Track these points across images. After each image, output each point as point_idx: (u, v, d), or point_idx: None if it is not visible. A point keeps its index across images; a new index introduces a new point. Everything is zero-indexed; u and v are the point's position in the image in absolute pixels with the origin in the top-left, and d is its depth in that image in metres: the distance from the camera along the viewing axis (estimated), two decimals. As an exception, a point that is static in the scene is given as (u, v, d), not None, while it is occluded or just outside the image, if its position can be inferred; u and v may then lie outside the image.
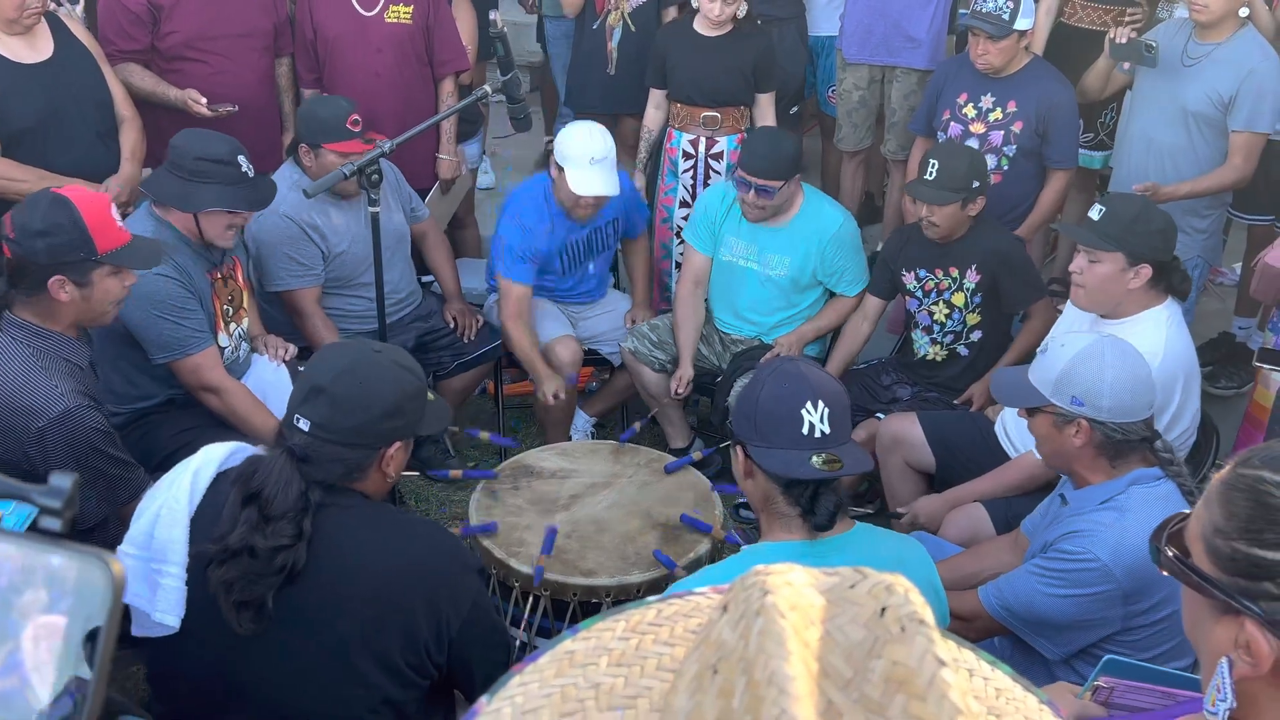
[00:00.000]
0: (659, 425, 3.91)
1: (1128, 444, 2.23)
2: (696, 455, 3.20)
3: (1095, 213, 2.82)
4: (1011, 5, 3.59)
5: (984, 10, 3.64)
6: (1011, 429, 3.05)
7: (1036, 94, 3.73)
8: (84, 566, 0.64)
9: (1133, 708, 1.45)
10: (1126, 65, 3.79)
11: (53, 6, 3.40)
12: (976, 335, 3.47)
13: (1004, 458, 3.03)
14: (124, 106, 3.50)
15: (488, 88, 2.54)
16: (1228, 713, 0.98)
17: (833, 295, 3.76)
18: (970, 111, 3.84)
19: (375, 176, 2.53)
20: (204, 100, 3.58)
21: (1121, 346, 2.28)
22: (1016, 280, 3.38)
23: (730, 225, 3.70)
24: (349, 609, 1.85)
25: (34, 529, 0.66)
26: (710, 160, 4.07)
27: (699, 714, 0.58)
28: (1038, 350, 2.44)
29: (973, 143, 3.79)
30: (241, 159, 2.93)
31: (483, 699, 0.77)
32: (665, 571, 2.61)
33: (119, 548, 1.90)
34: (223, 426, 2.91)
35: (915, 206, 3.49)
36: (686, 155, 4.10)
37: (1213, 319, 4.46)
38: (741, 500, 3.44)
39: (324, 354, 1.99)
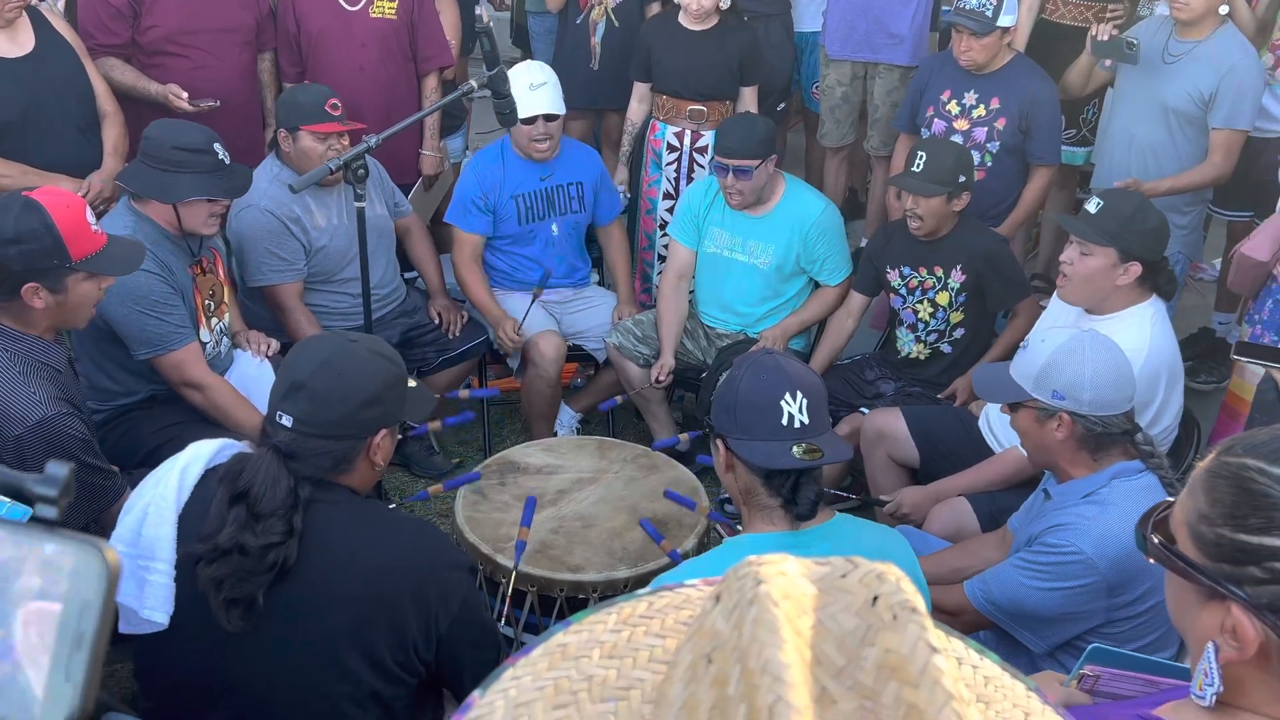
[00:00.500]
0: (644, 422, 3.92)
1: (1109, 437, 2.25)
2: (684, 437, 3.21)
3: (1093, 206, 2.83)
4: (995, 2, 3.61)
5: (967, 7, 3.66)
6: (995, 424, 3.06)
7: (1019, 90, 3.75)
8: (79, 554, 0.64)
9: (1118, 695, 1.46)
10: (1108, 62, 3.82)
11: (34, 1, 3.38)
12: (960, 333, 3.49)
13: (988, 452, 3.04)
14: (106, 101, 3.48)
15: (473, 83, 2.54)
16: (1214, 696, 0.99)
17: (817, 287, 3.78)
18: (954, 108, 3.86)
19: (361, 171, 2.52)
20: (185, 95, 3.57)
21: (1101, 341, 2.29)
22: (1002, 280, 3.40)
23: (714, 217, 3.72)
24: (338, 605, 1.84)
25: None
26: (695, 154, 4.08)
27: (693, 703, 0.59)
28: (1019, 346, 2.46)
29: (956, 139, 3.81)
30: (217, 146, 2.92)
31: (475, 693, 0.77)
32: (653, 567, 2.62)
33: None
34: (205, 422, 2.89)
35: (900, 201, 3.51)
36: (671, 148, 4.11)
37: (1193, 314, 4.50)
38: (723, 496, 3.46)
39: (300, 349, 1.99)
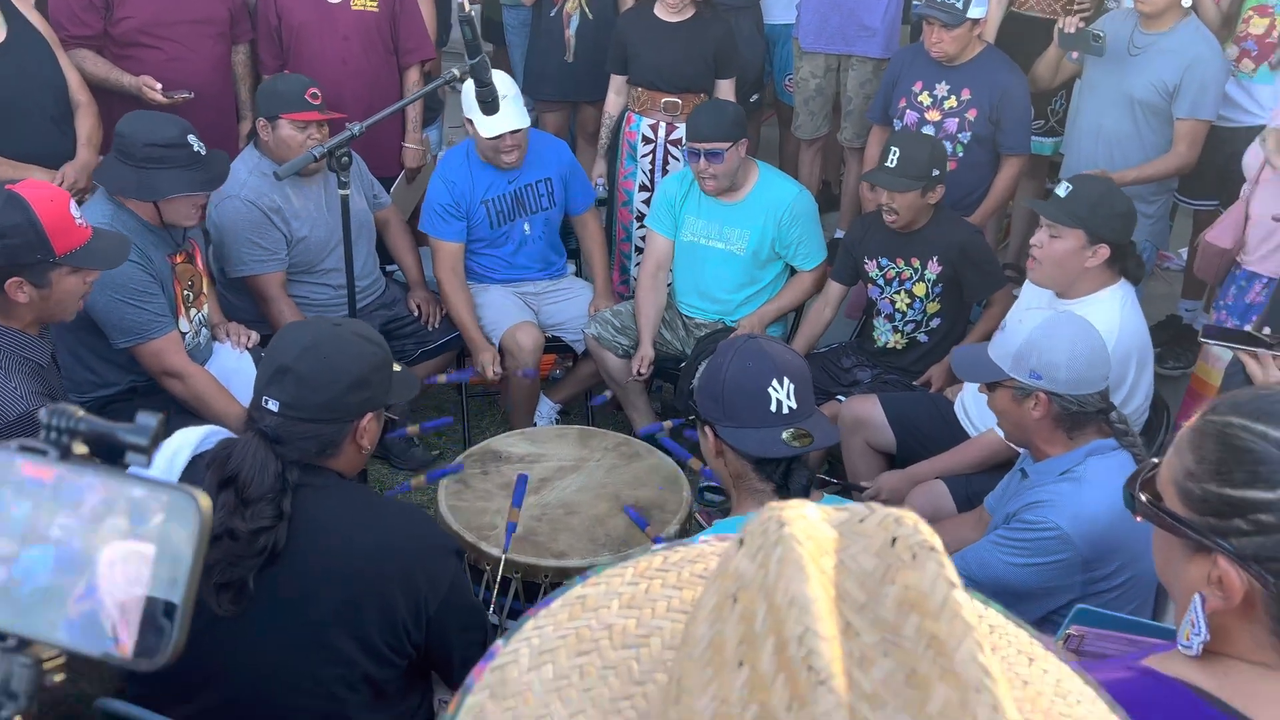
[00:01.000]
0: (624, 412, 3.94)
1: (1084, 416, 2.30)
2: (667, 425, 3.23)
3: (1062, 190, 2.89)
4: (965, -6, 3.67)
5: (938, -1, 3.71)
6: (971, 408, 3.11)
7: (989, 82, 3.80)
8: (171, 498, 0.66)
9: (1102, 654, 1.51)
10: (1075, 54, 3.88)
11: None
12: (937, 323, 3.53)
13: (964, 437, 3.09)
14: (79, 92, 3.45)
15: (456, 71, 2.55)
16: (1201, 645, 1.03)
17: (793, 274, 3.82)
18: (926, 99, 3.91)
19: (345, 159, 2.53)
20: (159, 86, 3.54)
21: (1077, 321, 2.34)
22: (977, 271, 3.45)
23: (690, 206, 3.75)
24: (328, 588, 1.85)
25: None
26: (670, 146, 4.11)
27: (720, 641, 0.61)
28: (997, 328, 2.51)
29: (928, 130, 3.86)
30: (192, 138, 2.91)
31: (499, 642, 0.79)
32: (636, 553, 2.63)
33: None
34: (186, 413, 2.88)
35: (874, 194, 3.55)
36: (646, 140, 4.13)
37: (1160, 302, 4.58)
38: (704, 485, 3.49)
39: (284, 334, 1.99)
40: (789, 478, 1.95)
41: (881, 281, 3.55)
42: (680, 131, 4.06)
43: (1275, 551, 0.99)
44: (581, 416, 4.06)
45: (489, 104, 2.66)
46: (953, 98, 3.86)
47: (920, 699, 0.54)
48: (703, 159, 3.55)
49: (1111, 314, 2.75)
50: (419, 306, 3.80)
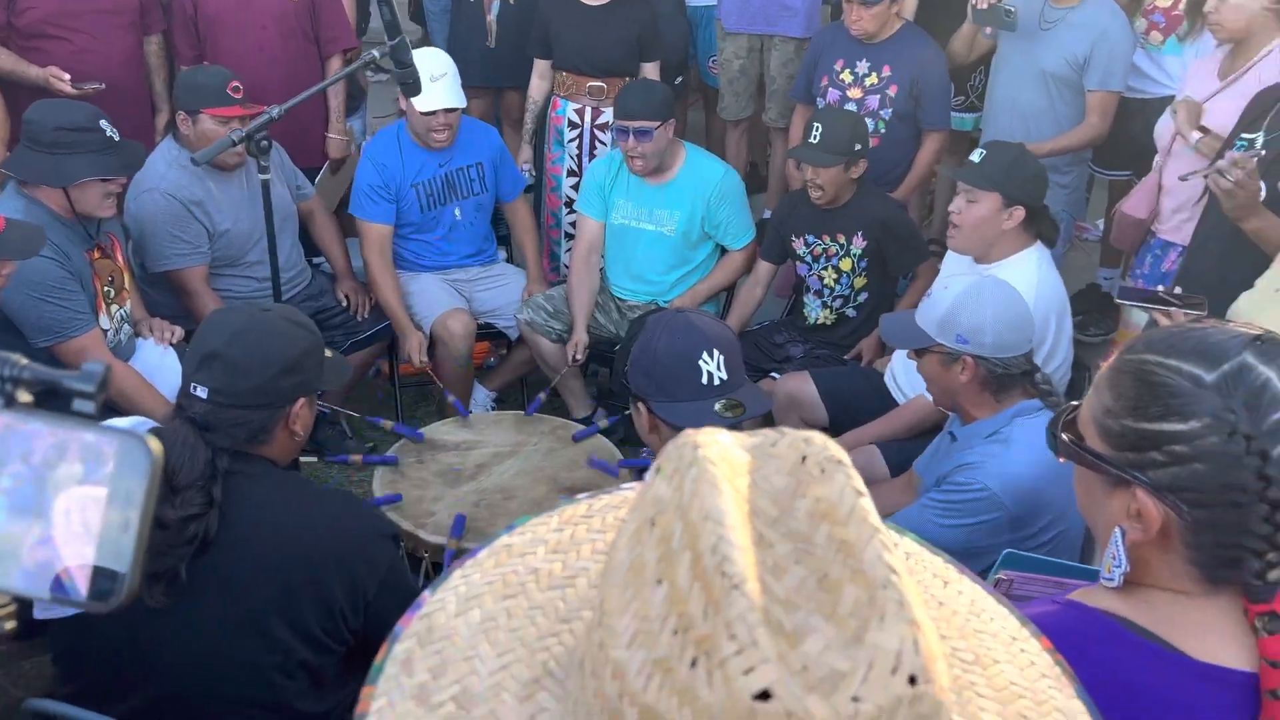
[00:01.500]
0: (561, 397, 3.94)
1: (1010, 378, 2.36)
2: (603, 423, 3.24)
3: (976, 156, 2.98)
4: (883, -29, 3.72)
5: (857, -23, 3.76)
6: (901, 377, 3.17)
7: (909, 58, 3.87)
8: (122, 442, 0.65)
9: (1029, 597, 1.55)
10: (989, 30, 3.96)
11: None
12: (864, 298, 3.59)
13: (894, 406, 3.15)
14: (-19, 85, 3.36)
15: (375, 52, 2.52)
16: (1122, 576, 1.07)
17: (724, 254, 3.85)
18: (847, 77, 3.96)
19: (265, 144, 2.49)
20: (67, 77, 3.46)
21: (1001, 285, 2.40)
22: (901, 245, 3.51)
23: (619, 189, 3.75)
24: (263, 576, 1.83)
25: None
26: (596, 130, 4.11)
27: (639, 563, 0.62)
28: (924, 295, 2.56)
29: (850, 108, 3.91)
30: (104, 123, 2.85)
31: (425, 593, 0.80)
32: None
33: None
34: (110, 411, 2.82)
35: (799, 171, 3.59)
36: (572, 124, 4.13)
37: (1080, 272, 4.70)
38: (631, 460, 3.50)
39: (211, 320, 1.96)
40: None
41: (809, 258, 3.59)
42: (607, 116, 4.06)
43: (1189, 482, 1.02)
44: (518, 404, 4.05)
45: (409, 85, 2.64)
46: (874, 75, 3.92)
47: (832, 600, 0.56)
48: (631, 137, 3.56)
49: (1029, 275, 2.83)
50: (347, 297, 3.76)
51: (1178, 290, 2.70)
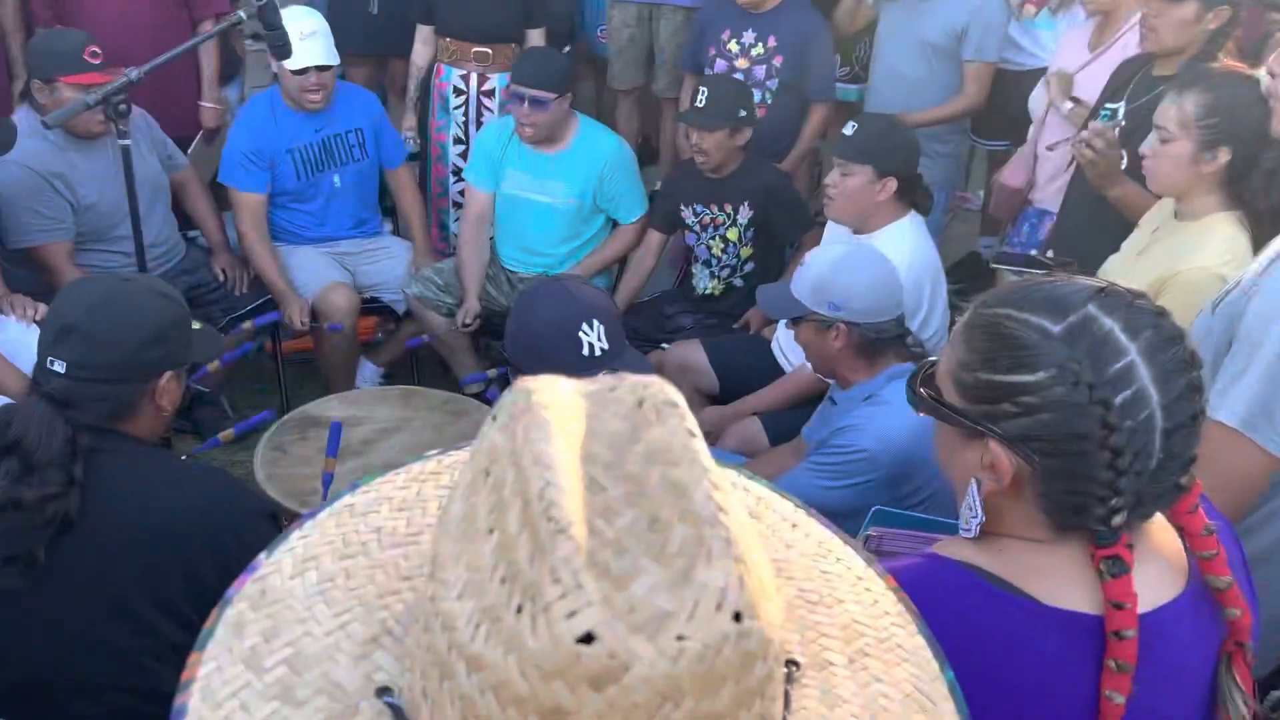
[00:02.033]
0: (451, 373, 3.88)
1: (882, 342, 2.41)
2: (492, 373, 3.20)
3: (849, 129, 3.01)
4: (765, -58, 3.73)
5: (740, -53, 3.77)
6: (785, 344, 3.21)
7: (794, 28, 3.90)
8: None
9: (896, 553, 1.58)
10: (871, 0, 4.01)
11: None
12: (750, 267, 3.62)
13: (781, 373, 3.19)
14: None
15: (241, 13, 2.43)
16: (979, 527, 1.09)
17: (615, 227, 3.83)
18: (734, 47, 3.97)
19: (124, 107, 2.37)
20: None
21: (869, 252, 2.45)
22: (786, 214, 3.55)
23: (510, 158, 3.70)
24: (127, 556, 1.76)
25: None
26: (483, 97, 4.04)
27: (472, 513, 0.61)
28: (799, 264, 2.59)
29: (738, 77, 3.93)
30: None
31: (261, 556, 0.77)
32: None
33: None
34: (-32, 393, 2.68)
35: (686, 140, 3.60)
36: (458, 91, 4.05)
37: (960, 241, 4.83)
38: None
39: (69, 291, 1.87)
40: None
41: (697, 228, 3.61)
42: (493, 82, 4.00)
43: (1039, 431, 1.05)
44: (406, 379, 3.98)
45: (280, 48, 2.55)
46: (760, 45, 3.93)
47: (661, 541, 0.56)
48: (526, 105, 3.51)
49: (903, 244, 2.89)
50: (224, 271, 3.63)
51: (1050, 254, 2.79)
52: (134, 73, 2.41)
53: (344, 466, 2.74)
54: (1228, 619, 1.10)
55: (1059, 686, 1.05)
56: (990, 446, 1.08)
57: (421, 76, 4.15)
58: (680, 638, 0.52)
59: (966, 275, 4.52)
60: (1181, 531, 1.11)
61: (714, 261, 3.63)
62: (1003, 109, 4.08)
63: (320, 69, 3.49)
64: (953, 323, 3.13)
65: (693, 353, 3.39)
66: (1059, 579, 1.07)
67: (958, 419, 1.11)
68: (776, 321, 3.35)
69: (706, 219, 3.58)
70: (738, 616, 0.53)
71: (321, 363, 3.81)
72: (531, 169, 3.69)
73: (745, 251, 3.59)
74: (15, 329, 3.00)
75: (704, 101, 3.37)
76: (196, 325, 1.97)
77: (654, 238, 3.75)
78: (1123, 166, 2.71)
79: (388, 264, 3.85)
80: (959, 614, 1.06)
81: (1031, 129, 3.64)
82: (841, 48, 4.22)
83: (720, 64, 3.99)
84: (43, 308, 3.07)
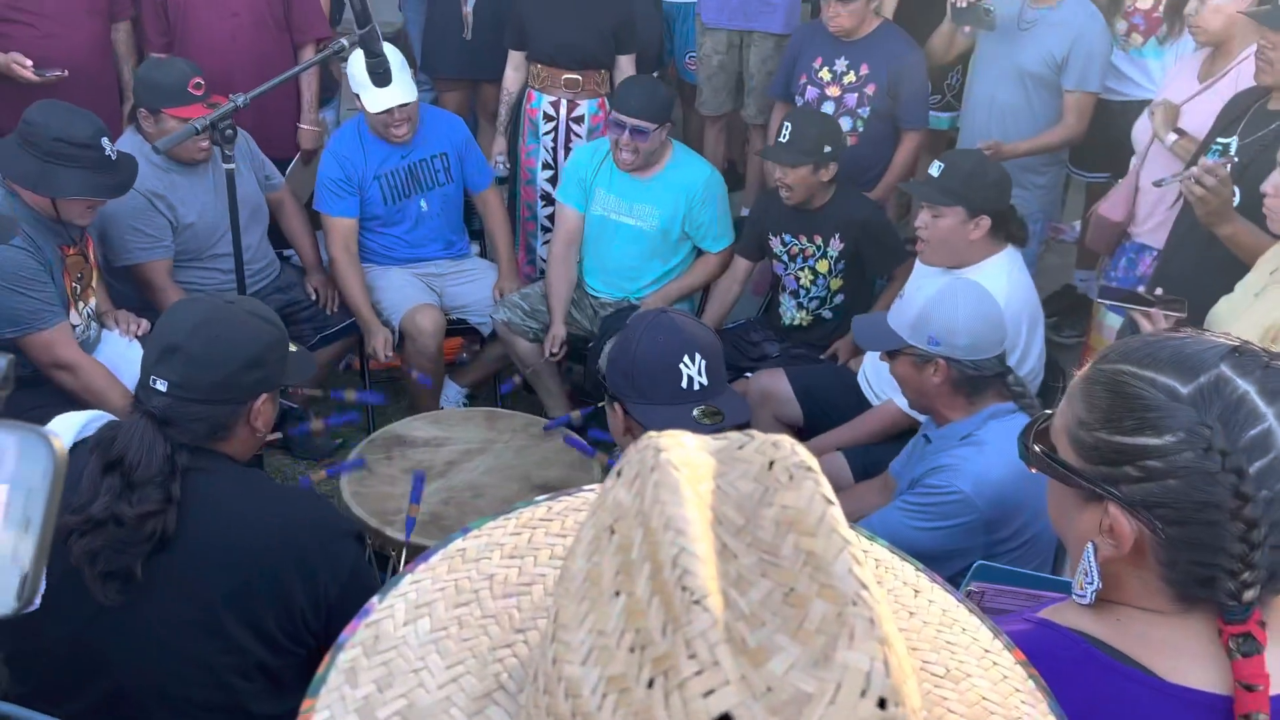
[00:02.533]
0: (536, 396, 3.89)
1: (983, 380, 2.34)
2: (576, 415, 3.20)
3: (935, 169, 2.94)
4: (861, -31, 3.70)
5: (835, -26, 3.74)
6: (872, 377, 3.15)
7: (887, 56, 3.85)
8: (23, 440, 0.63)
9: (1002, 610, 1.52)
10: (968, 29, 3.95)
11: None
12: (841, 299, 3.56)
13: (867, 406, 3.13)
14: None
15: (344, 41, 2.47)
16: (1094, 594, 1.04)
17: (699, 256, 3.81)
18: (826, 75, 3.94)
19: (230, 132, 2.43)
20: (29, 64, 3.38)
21: (972, 287, 2.38)
22: (879, 247, 3.48)
23: (601, 180, 3.71)
24: (220, 575, 1.78)
25: None
26: (571, 123, 4.06)
27: (597, 573, 0.59)
28: (897, 297, 2.54)
29: (829, 106, 3.89)
30: (104, 141, 2.80)
31: (374, 599, 0.76)
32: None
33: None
34: (72, 404, 2.76)
35: (771, 170, 3.57)
36: (548, 117, 4.08)
37: (1055, 273, 4.70)
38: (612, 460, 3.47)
39: (173, 312, 1.91)
40: None
41: (786, 258, 3.57)
42: (582, 109, 4.02)
43: (1165, 498, 0.98)
44: (490, 400, 4.01)
45: (381, 75, 2.59)
46: (851, 73, 3.89)
47: (798, 616, 0.53)
48: (627, 133, 3.52)
49: (999, 280, 2.81)
50: (316, 290, 3.70)
51: (1158, 291, 2.69)
52: (240, 99, 2.47)
53: (429, 488, 2.76)
54: None
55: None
56: (1110, 510, 1.02)
57: (512, 102, 4.19)
58: (821, 723, 0.49)
59: (1062, 308, 4.40)
60: None
61: (802, 293, 3.59)
62: (1103, 140, 3.97)
63: (401, 106, 3.52)
64: (1049, 359, 3.06)
65: (776, 381, 3.34)
66: (1181, 654, 1.01)
67: (1075, 480, 1.05)
68: (864, 352, 3.30)
69: (795, 249, 3.54)
70: (882, 703, 0.50)
71: (408, 382, 3.85)
72: (622, 192, 3.69)
73: (835, 284, 3.54)
74: (118, 343, 3.09)
75: (788, 136, 3.33)
76: (293, 348, 2.00)
77: (740, 265, 3.72)
78: (1235, 204, 2.60)
79: (474, 285, 3.88)
80: (1074, 686, 1.00)
81: (1133, 161, 3.53)
82: (933, 75, 4.16)
83: (811, 91, 3.96)
84: (145, 323, 3.16)
